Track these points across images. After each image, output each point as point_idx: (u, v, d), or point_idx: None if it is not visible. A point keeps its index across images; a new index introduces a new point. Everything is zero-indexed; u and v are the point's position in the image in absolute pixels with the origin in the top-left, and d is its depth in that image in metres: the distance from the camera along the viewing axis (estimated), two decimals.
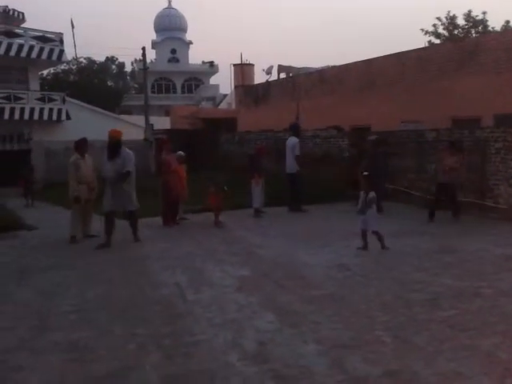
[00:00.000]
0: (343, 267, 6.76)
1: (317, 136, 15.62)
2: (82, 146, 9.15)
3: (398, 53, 17.61)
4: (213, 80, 61.50)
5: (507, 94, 13.16)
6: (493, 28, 29.59)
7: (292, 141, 11.75)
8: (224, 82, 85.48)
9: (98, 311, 5.29)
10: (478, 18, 29.83)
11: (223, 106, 44.59)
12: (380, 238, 7.63)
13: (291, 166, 11.67)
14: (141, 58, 29.33)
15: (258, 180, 11.31)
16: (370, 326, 4.64)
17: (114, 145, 8.34)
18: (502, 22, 29.93)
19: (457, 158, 9.94)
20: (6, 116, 24.61)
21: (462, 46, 15.83)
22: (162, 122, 32.25)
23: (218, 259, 7.41)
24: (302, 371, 3.80)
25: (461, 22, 30.27)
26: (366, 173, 7.77)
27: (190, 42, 63.41)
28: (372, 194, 7.57)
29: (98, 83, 50.34)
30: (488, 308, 5.07)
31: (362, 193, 7.69)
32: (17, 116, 24.98)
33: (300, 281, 6.21)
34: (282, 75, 28.16)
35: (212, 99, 51.61)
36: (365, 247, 7.65)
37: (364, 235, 7.67)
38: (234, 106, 33.03)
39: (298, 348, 4.21)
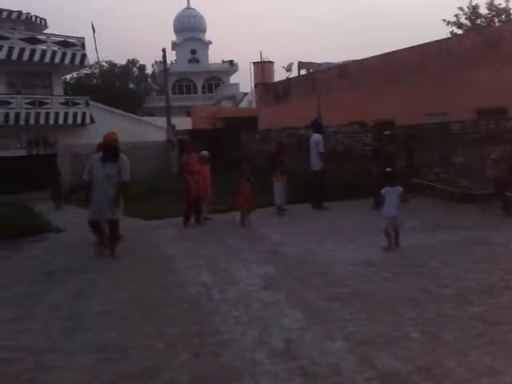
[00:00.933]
0: (369, 263, 6.71)
1: (339, 132, 15.51)
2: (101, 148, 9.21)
3: (420, 45, 17.35)
4: (233, 79, 61.57)
5: None
6: None
7: (315, 137, 11.69)
8: (244, 80, 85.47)
9: (127, 311, 5.36)
10: (500, 6, 29.20)
11: (243, 104, 44.60)
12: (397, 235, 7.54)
13: (315, 162, 11.61)
14: (161, 59, 29.61)
15: (279, 177, 11.30)
16: (398, 322, 4.59)
17: (112, 148, 7.67)
18: None
19: (501, 153, 9.72)
20: (32, 121, 25.15)
21: (485, 35, 15.51)
22: (183, 123, 32.48)
23: (243, 258, 7.44)
24: (331, 368, 3.78)
25: (483, 11, 29.67)
26: (388, 169, 7.73)
27: (210, 42, 63.62)
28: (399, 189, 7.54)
29: (120, 86, 50.95)
30: None
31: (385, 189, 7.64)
32: (42, 121, 25.51)
33: (325, 278, 6.18)
34: (303, 72, 28.03)
35: (232, 98, 51.66)
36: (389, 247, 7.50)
37: (388, 234, 7.52)
38: (254, 105, 33.03)
39: (326, 345, 4.19)
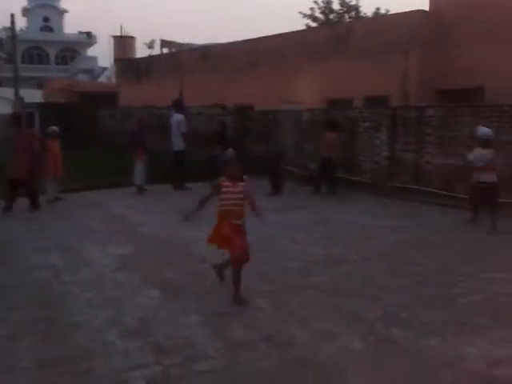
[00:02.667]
0: None
1: (201, 113, 15.60)
2: None
3: (280, 34, 18.11)
4: (91, 52, 58.13)
5: (375, 77, 14.21)
6: (365, 14, 31.56)
7: (177, 118, 11.63)
8: (104, 54, 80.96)
9: None
10: (351, 3, 31.58)
11: (102, 79, 42.46)
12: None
13: (177, 143, 11.56)
14: (9, 25, 26.74)
15: (140, 157, 11.06)
16: (249, 294, 4.86)
17: None
18: (374, 9, 32.09)
19: (336, 136, 10.67)
20: None
21: (336, 30, 16.72)
22: (34, 95, 29.85)
23: (98, 239, 7.17)
24: (184, 342, 3.89)
25: (336, 6, 31.85)
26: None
27: (65, 11, 59.15)
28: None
29: None
30: (354, 272, 5.58)
31: None
32: None
33: (185, 256, 6.27)
34: (165, 50, 27.51)
35: (90, 72, 48.81)
36: None
37: None
38: (114, 80, 31.62)
39: (180, 320, 4.29)
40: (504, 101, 9.84)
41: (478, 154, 7.77)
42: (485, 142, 7.82)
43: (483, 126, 8.21)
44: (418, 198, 9.93)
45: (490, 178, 7.65)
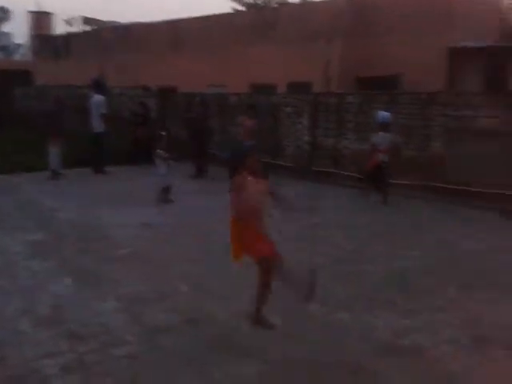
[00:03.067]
0: (147, 226, 6.85)
1: (123, 94, 15.11)
2: None
3: (205, 16, 17.85)
4: (5, 28, 54.23)
5: (299, 64, 14.45)
6: None
7: (97, 98, 11.18)
8: (19, 31, 75.82)
9: None
10: None
11: (17, 57, 39.92)
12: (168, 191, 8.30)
13: (97, 125, 11.12)
14: None
15: (54, 140, 10.51)
16: (170, 279, 4.85)
17: None
18: None
19: (255, 121, 10.72)
20: None
21: (263, 15, 16.77)
22: None
23: (10, 225, 6.81)
24: (100, 329, 3.83)
25: None
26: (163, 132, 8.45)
27: None
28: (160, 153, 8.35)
29: None
30: None
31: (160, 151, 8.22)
32: None
33: (102, 241, 6.12)
34: (86, 28, 26.28)
35: (4, 49, 45.65)
36: (168, 201, 8.25)
37: (166, 191, 8.25)
38: (30, 58, 29.78)
39: (97, 307, 4.21)
40: (421, 89, 10.41)
41: (381, 137, 8.54)
42: (385, 126, 8.52)
43: (382, 110, 8.89)
44: (337, 182, 10.30)
45: (387, 158, 8.51)
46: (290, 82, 14.43)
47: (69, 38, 24.07)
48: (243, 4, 31.29)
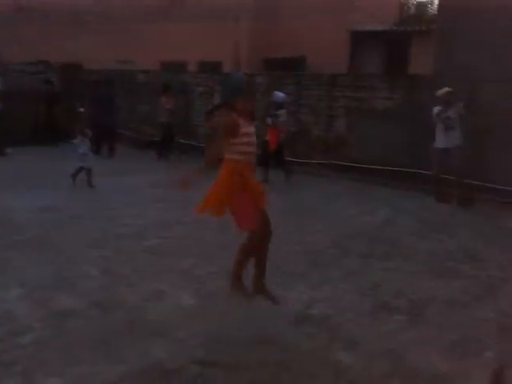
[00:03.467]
0: (53, 209, 6.57)
1: (22, 71, 14.06)
2: None
3: None
4: None
5: (209, 42, 14.30)
6: None
7: None
8: None
9: None
10: None
11: None
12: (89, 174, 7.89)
13: None
14: None
15: None
16: (77, 263, 4.71)
17: None
18: None
19: (172, 100, 10.59)
20: None
21: None
22: None
23: None
24: (5, 317, 3.65)
25: None
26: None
27: None
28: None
29: None
30: (188, 235, 5.73)
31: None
32: None
33: (3, 226, 5.77)
34: None
35: None
36: (91, 186, 7.92)
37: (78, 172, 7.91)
38: None
39: (0, 295, 4.00)
40: (324, 71, 10.79)
41: (275, 116, 8.66)
42: (279, 106, 8.64)
43: (277, 91, 9.03)
44: None
45: (282, 138, 8.67)
46: (200, 60, 14.29)
47: None
48: None
